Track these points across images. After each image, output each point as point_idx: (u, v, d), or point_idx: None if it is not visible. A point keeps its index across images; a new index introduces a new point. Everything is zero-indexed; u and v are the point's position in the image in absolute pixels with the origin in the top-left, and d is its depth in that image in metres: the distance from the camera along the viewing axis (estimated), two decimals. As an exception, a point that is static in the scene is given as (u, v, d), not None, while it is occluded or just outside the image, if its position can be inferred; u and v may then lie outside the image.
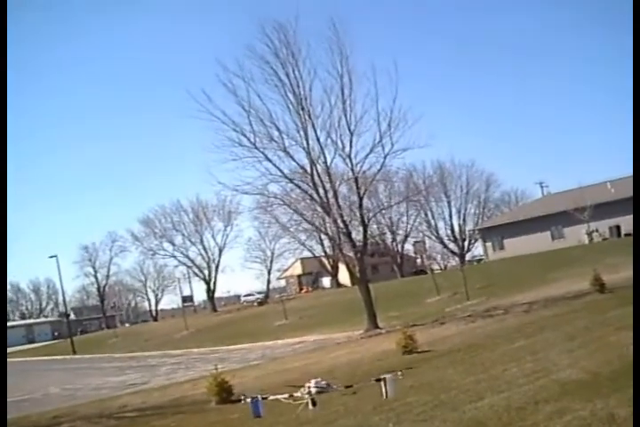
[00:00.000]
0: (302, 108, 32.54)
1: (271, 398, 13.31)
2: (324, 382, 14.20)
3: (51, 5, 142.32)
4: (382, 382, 11.69)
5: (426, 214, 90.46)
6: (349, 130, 32.25)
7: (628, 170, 65.61)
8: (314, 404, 12.01)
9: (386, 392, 11.44)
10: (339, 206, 33.00)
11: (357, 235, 36.56)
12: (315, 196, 33.19)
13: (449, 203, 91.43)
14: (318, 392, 13.45)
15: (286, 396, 13.23)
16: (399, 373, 13.47)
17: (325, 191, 32.61)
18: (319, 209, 34.24)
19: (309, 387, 13.78)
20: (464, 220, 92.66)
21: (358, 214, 33.98)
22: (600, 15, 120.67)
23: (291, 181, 33.35)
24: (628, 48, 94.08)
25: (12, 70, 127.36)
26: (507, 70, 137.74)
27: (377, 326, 32.95)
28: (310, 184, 32.93)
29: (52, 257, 72.70)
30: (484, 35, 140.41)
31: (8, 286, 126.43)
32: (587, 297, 25.72)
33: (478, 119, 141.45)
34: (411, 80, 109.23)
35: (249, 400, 12.65)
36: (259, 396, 12.78)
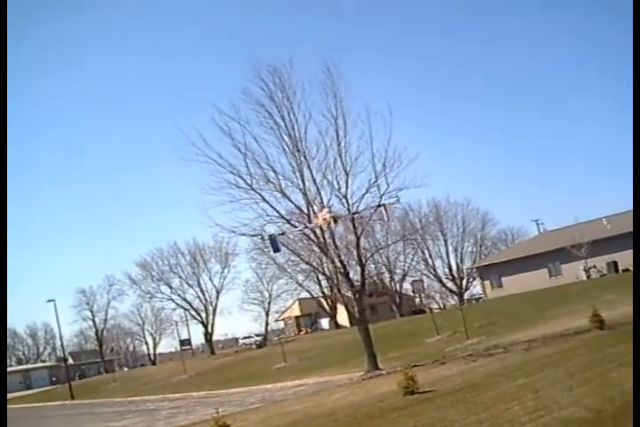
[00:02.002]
0: (298, 150, 32.80)
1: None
2: None
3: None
4: None
5: (423, 253, 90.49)
6: (345, 171, 32.44)
7: (623, 206, 65.99)
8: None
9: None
10: (336, 246, 33.05)
11: (355, 275, 36.57)
12: (312, 236, 33.25)
13: (446, 241, 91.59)
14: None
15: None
16: None
17: (322, 231, 32.67)
18: (316, 249, 34.26)
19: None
20: (461, 258, 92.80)
21: (355, 254, 33.97)
22: (595, 49, 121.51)
23: (288, 221, 33.38)
24: (623, 81, 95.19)
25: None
26: (501, 110, 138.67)
27: (377, 368, 32.75)
28: (307, 224, 33.03)
29: (49, 301, 72.36)
30: (478, 74, 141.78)
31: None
32: (586, 334, 25.68)
33: (473, 158, 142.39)
34: (405, 121, 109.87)
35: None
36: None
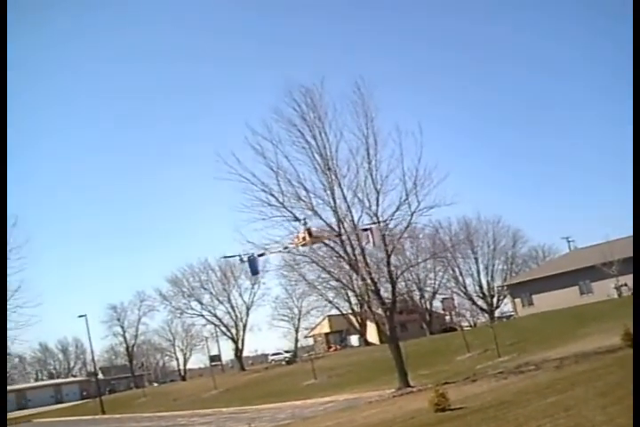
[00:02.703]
0: (329, 169, 33.16)
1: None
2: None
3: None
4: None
5: (453, 271, 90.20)
6: (375, 189, 32.74)
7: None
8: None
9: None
10: (366, 264, 33.27)
11: (385, 292, 36.69)
12: (342, 253, 33.52)
13: (476, 259, 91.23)
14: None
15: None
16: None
17: (353, 249, 32.94)
18: (347, 266, 34.49)
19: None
20: (492, 276, 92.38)
21: (386, 271, 34.17)
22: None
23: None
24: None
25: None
26: (532, 128, 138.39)
27: (408, 385, 32.84)
28: (338, 242, 33.30)
29: (80, 317, 73.19)
30: (511, 91, 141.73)
31: (37, 346, 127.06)
32: (618, 352, 25.57)
33: (503, 176, 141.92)
34: (436, 138, 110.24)
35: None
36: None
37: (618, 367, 20.25)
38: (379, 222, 25.88)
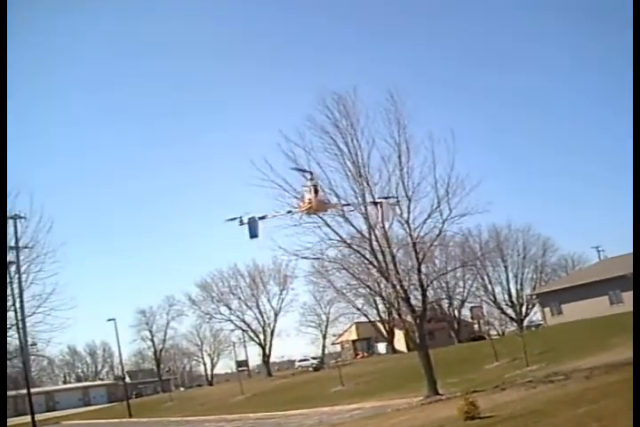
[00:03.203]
0: (360, 176, 33.29)
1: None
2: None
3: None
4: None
5: (482, 279, 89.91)
6: (407, 196, 32.82)
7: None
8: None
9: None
10: (397, 271, 33.32)
11: (414, 300, 36.68)
12: (373, 260, 33.60)
13: (506, 268, 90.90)
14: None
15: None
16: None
17: (384, 256, 33.02)
18: (377, 274, 34.56)
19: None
20: (521, 285, 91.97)
21: (416, 279, 34.20)
22: None
23: (349, 245, 33.88)
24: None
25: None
26: (562, 135, 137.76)
27: (437, 393, 32.82)
28: (369, 249, 33.40)
29: (110, 320, 73.86)
30: (541, 99, 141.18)
31: (65, 349, 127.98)
32: (650, 363, 25.41)
33: (535, 184, 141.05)
34: (468, 145, 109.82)
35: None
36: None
37: (650, 378, 20.14)
38: (396, 199, 24.31)
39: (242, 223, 22.03)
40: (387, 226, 33.27)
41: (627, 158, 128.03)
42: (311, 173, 21.36)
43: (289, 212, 23.08)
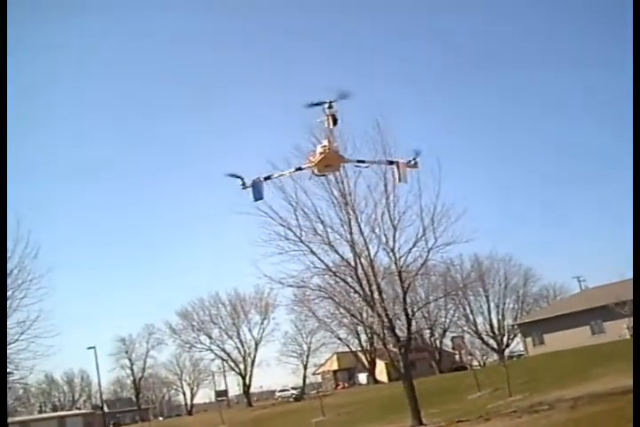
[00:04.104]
0: (347, 204, 33.41)
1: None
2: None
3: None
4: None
5: (464, 309, 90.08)
6: (393, 224, 32.93)
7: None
8: None
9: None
10: (382, 300, 33.36)
11: (398, 329, 36.65)
12: (358, 289, 33.63)
13: (487, 297, 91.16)
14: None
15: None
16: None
17: (369, 285, 33.08)
18: (361, 303, 34.57)
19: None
20: (503, 315, 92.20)
21: (401, 308, 34.22)
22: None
23: (334, 274, 33.91)
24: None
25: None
26: (545, 166, 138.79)
27: (421, 423, 32.68)
28: (354, 277, 33.45)
29: (90, 348, 73.38)
30: (527, 132, 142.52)
31: (42, 377, 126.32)
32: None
33: (516, 213, 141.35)
34: (454, 175, 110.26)
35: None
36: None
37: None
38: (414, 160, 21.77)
39: (244, 186, 20.30)
40: (372, 254, 33.36)
41: (609, 190, 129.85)
42: (330, 102, 17.85)
43: (298, 169, 21.12)
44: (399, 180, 21.17)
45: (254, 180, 20.68)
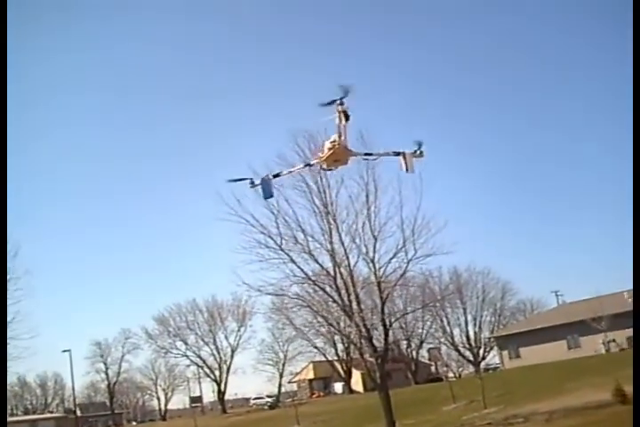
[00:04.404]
0: (328, 213, 33.45)
1: None
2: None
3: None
4: None
5: (441, 321, 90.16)
6: (373, 235, 33.00)
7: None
8: None
9: None
10: (360, 310, 33.39)
11: (375, 339, 36.66)
12: (337, 298, 33.64)
13: (464, 310, 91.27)
14: None
15: None
16: None
17: (348, 294, 33.11)
18: (340, 312, 34.59)
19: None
20: (480, 327, 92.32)
21: (379, 318, 34.26)
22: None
23: (314, 283, 33.91)
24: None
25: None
26: (528, 183, 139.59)
27: (396, 433, 32.74)
28: (333, 286, 33.47)
29: (65, 351, 72.98)
30: (514, 147, 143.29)
31: (15, 380, 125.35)
32: (609, 408, 25.63)
33: (496, 228, 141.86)
34: (435, 187, 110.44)
35: None
36: None
37: (610, 423, 20.36)
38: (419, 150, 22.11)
39: (253, 185, 20.18)
40: (352, 264, 33.35)
41: (588, 206, 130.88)
42: (341, 98, 17.89)
43: (307, 165, 21.09)
44: (407, 170, 21.30)
45: (263, 178, 20.58)
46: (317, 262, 33.65)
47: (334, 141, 19.31)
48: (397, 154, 22.78)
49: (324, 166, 19.84)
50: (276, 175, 21.48)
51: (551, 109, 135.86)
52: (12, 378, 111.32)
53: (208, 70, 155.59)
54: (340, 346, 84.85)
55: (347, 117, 18.78)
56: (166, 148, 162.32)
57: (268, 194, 21.34)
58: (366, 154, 22.87)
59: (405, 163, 21.00)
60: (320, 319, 37.70)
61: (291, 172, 22.46)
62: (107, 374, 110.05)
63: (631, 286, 63.75)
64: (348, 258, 33.44)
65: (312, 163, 21.25)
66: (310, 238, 33.57)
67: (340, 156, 19.71)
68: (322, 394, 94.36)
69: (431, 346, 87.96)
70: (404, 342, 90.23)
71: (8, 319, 34.43)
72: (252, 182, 20.74)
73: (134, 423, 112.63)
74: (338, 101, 18.04)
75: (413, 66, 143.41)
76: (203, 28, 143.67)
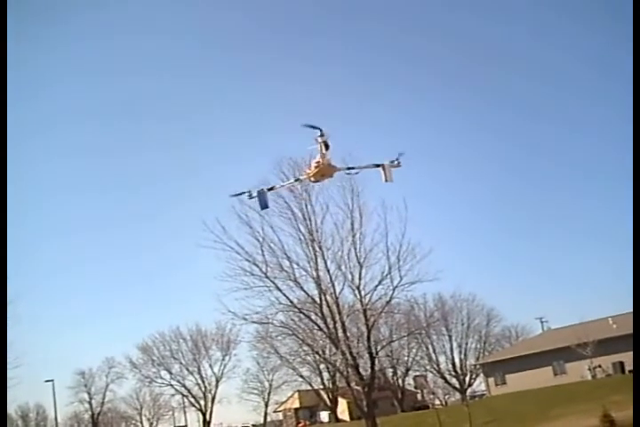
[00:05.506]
0: (313, 240, 33.68)
1: None
2: None
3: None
4: None
5: (427, 348, 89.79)
6: (359, 262, 33.25)
7: (629, 306, 66.09)
8: None
9: None
10: (347, 338, 33.41)
11: (361, 368, 36.62)
12: (322, 326, 33.66)
13: (450, 337, 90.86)
14: None
15: None
16: None
17: (334, 322, 33.15)
18: (325, 340, 34.58)
19: None
20: (465, 354, 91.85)
21: (365, 346, 34.26)
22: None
23: (299, 310, 33.97)
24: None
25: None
26: (512, 210, 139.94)
27: (383, 461, 32.57)
28: (319, 314, 33.51)
29: (48, 381, 72.17)
30: (493, 174, 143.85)
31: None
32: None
33: (480, 255, 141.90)
34: (419, 214, 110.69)
35: None
36: None
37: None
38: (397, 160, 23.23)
39: (251, 197, 21.43)
40: (337, 292, 33.43)
41: (578, 228, 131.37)
42: (321, 130, 20.37)
43: (297, 180, 22.39)
44: (386, 180, 22.53)
45: (259, 190, 21.56)
46: (303, 290, 33.88)
47: (318, 161, 20.62)
48: (377, 166, 24.04)
49: (312, 180, 21.27)
50: (271, 188, 22.49)
51: (541, 131, 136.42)
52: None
53: (192, 99, 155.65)
54: (325, 375, 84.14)
55: (327, 147, 20.42)
56: (150, 175, 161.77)
57: (264, 205, 22.65)
58: (349, 168, 23.87)
59: (385, 174, 22.19)
60: (306, 348, 37.81)
61: (283, 185, 23.67)
62: (90, 404, 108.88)
63: (615, 313, 64.46)
64: (333, 285, 33.65)
65: (302, 178, 22.21)
66: (296, 266, 33.85)
67: (325, 171, 21.14)
68: (307, 423, 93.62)
69: (417, 374, 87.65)
70: (390, 369, 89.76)
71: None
72: (250, 194, 21.57)
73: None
74: (319, 133, 19.57)
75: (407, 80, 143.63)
76: (189, 55, 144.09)
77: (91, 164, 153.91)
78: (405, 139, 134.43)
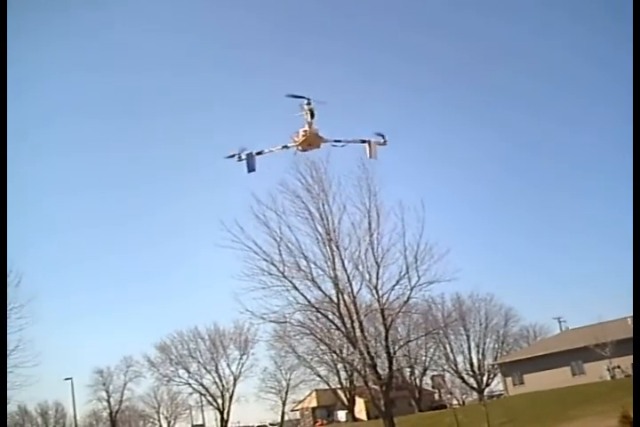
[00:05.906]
0: (330, 240, 33.64)
1: None
2: None
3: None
4: None
5: (445, 348, 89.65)
6: (376, 262, 33.17)
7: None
8: None
9: None
10: (364, 337, 33.36)
11: (379, 367, 36.58)
12: (340, 326, 33.66)
13: (468, 337, 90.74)
14: None
15: None
16: None
17: (352, 321, 33.13)
18: (343, 340, 34.57)
19: None
20: (483, 354, 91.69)
21: (383, 346, 34.23)
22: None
23: (317, 310, 33.96)
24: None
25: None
26: (531, 209, 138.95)
27: (401, 460, 32.56)
28: (336, 314, 33.51)
29: (67, 379, 72.61)
30: (515, 171, 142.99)
31: (16, 409, 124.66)
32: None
33: (498, 254, 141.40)
34: (437, 213, 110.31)
35: None
36: None
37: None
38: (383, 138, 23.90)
39: (240, 159, 22.27)
40: (355, 291, 33.42)
41: (596, 231, 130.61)
42: (308, 99, 21.44)
43: (284, 147, 23.09)
44: (370, 156, 23.51)
45: (247, 154, 22.94)
46: (320, 289, 33.81)
47: (306, 130, 22.36)
48: (364, 141, 24.83)
49: (300, 149, 22.19)
50: (259, 153, 23.74)
51: (558, 135, 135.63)
52: (13, 407, 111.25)
53: (193, 96, 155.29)
54: (343, 374, 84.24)
55: (312, 115, 22.17)
56: (166, 170, 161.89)
57: (250, 168, 23.77)
58: (336, 140, 24.45)
59: (370, 150, 22.89)
60: (323, 347, 37.83)
61: (271, 151, 23.91)
62: (109, 402, 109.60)
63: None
64: (351, 285, 33.60)
65: (289, 145, 23.40)
66: (313, 265, 33.79)
67: (312, 140, 22.79)
68: (325, 422, 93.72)
69: (435, 373, 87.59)
70: (408, 369, 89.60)
71: (11, 347, 34.32)
72: (239, 157, 23.44)
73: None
74: (306, 101, 21.56)
75: (412, 79, 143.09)
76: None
77: (91, 160, 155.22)
78: (405, 138, 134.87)
